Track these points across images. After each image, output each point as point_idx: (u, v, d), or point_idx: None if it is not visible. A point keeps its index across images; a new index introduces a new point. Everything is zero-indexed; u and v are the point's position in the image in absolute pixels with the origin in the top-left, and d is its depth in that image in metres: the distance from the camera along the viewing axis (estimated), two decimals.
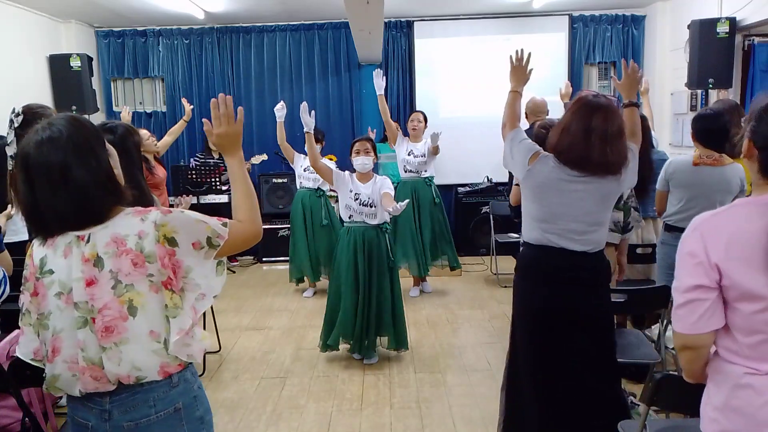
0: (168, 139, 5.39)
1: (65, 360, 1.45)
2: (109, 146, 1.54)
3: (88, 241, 1.43)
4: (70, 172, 1.40)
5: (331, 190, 5.07)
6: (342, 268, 3.86)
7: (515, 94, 2.67)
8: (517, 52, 2.73)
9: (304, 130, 3.93)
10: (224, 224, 1.52)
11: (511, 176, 4.16)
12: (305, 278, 5.55)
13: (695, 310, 1.40)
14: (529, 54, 2.73)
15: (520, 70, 2.71)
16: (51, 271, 1.45)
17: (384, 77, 5.04)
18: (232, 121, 1.63)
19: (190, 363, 1.54)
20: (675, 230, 3.25)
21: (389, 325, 3.89)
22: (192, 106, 5.83)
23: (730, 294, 1.36)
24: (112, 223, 1.45)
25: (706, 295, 1.38)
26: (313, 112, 4.00)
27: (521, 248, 4.06)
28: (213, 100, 1.63)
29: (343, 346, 4.00)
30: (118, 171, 1.53)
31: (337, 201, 5.28)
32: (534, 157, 2.44)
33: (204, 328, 4.22)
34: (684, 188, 3.23)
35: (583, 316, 2.42)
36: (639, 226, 3.53)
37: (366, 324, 3.84)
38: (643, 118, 3.69)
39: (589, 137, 2.28)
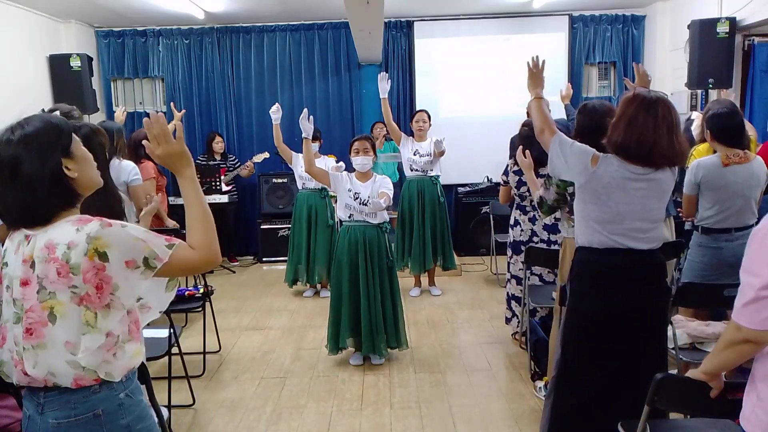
0: None
1: (9, 349, 1.50)
2: (81, 151, 1.53)
3: (30, 242, 1.45)
4: (18, 169, 1.42)
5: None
6: (343, 267, 3.86)
7: (539, 101, 2.65)
8: (533, 58, 2.73)
9: (303, 135, 3.90)
10: (170, 246, 1.46)
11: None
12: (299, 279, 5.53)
13: (766, 308, 1.37)
14: (544, 61, 2.74)
15: (538, 76, 2.71)
16: (6, 264, 1.51)
17: (389, 80, 5.05)
18: (170, 138, 1.56)
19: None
20: (713, 232, 3.23)
21: (390, 324, 3.90)
22: (184, 111, 5.90)
23: None
24: (52, 227, 1.45)
25: None
26: (311, 117, 3.98)
27: (512, 249, 4.06)
28: (145, 119, 1.57)
29: (350, 347, 3.98)
30: (86, 176, 1.52)
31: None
32: (595, 159, 2.39)
33: (204, 329, 4.23)
34: (717, 190, 3.20)
35: (643, 315, 2.40)
36: None
37: (374, 323, 3.83)
38: None
39: (659, 129, 2.27)
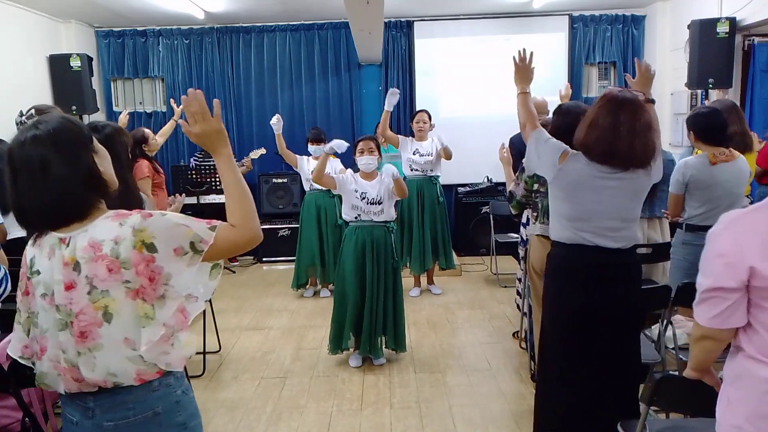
0: (160, 140, 5.40)
1: (50, 359, 1.46)
2: (100, 148, 1.53)
3: (68, 244, 1.42)
4: (50, 167, 1.39)
5: None
6: (349, 267, 3.82)
7: (524, 95, 2.68)
8: (519, 52, 2.73)
9: (325, 150, 3.86)
10: (212, 228, 1.45)
11: None
12: (307, 282, 5.52)
13: (715, 308, 1.40)
14: (532, 53, 2.74)
15: (524, 70, 2.72)
16: (38, 272, 1.46)
17: (399, 95, 5.04)
18: (208, 116, 1.51)
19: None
20: (700, 230, 3.22)
21: (390, 327, 3.89)
22: (181, 107, 5.80)
23: (762, 293, 1.34)
24: (92, 226, 1.43)
25: (727, 296, 1.38)
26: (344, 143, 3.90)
27: (523, 247, 4.08)
28: (183, 97, 1.53)
29: (351, 348, 3.96)
30: (107, 171, 1.51)
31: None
32: (564, 156, 2.41)
33: (204, 329, 4.23)
34: (705, 189, 3.20)
35: (618, 314, 2.41)
36: None
37: (375, 324, 3.82)
38: None
39: (618, 131, 2.27)
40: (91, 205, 1.45)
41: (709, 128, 3.20)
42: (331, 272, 5.30)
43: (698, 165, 3.22)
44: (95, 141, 1.53)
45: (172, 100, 6.00)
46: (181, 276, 1.44)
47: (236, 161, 5.43)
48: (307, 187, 5.37)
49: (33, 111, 3.33)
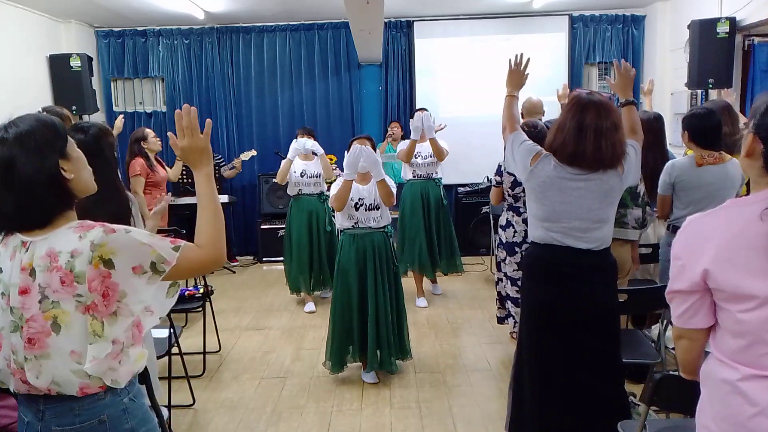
0: (176, 170, 5.62)
1: (4, 357, 1.47)
2: (76, 153, 1.50)
3: (28, 249, 1.41)
4: (12, 170, 1.38)
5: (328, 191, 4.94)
6: (353, 277, 3.61)
7: (511, 98, 2.73)
8: (516, 56, 2.76)
9: (345, 173, 3.59)
10: (176, 248, 1.45)
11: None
12: (299, 289, 5.32)
13: (678, 308, 1.43)
14: (528, 59, 2.76)
15: (517, 75, 2.76)
16: (0, 270, 1.46)
17: (432, 119, 5.04)
18: (197, 133, 1.55)
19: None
20: None
21: (395, 336, 3.71)
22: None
23: (719, 295, 1.35)
24: (53, 234, 1.42)
25: (686, 297, 1.40)
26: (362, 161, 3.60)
27: (502, 250, 4.05)
28: (177, 111, 1.56)
29: (357, 363, 3.78)
30: (81, 178, 1.49)
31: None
32: (535, 158, 2.47)
33: (204, 329, 4.23)
34: (691, 190, 3.20)
35: (587, 315, 2.43)
36: (652, 221, 3.53)
37: (382, 336, 3.62)
38: (658, 119, 3.70)
39: (583, 133, 2.31)
40: (56, 213, 1.44)
41: (702, 130, 3.19)
42: (326, 279, 5.09)
43: (684, 166, 3.23)
44: (72, 146, 1.49)
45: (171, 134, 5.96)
46: (138, 294, 1.44)
47: (225, 163, 5.41)
48: (293, 191, 5.14)
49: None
